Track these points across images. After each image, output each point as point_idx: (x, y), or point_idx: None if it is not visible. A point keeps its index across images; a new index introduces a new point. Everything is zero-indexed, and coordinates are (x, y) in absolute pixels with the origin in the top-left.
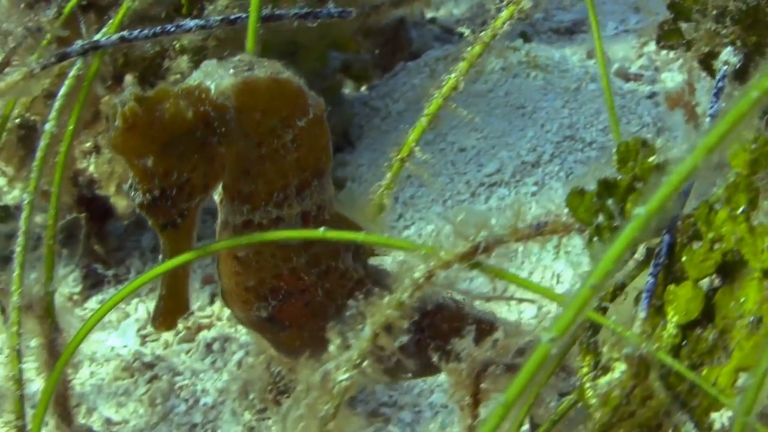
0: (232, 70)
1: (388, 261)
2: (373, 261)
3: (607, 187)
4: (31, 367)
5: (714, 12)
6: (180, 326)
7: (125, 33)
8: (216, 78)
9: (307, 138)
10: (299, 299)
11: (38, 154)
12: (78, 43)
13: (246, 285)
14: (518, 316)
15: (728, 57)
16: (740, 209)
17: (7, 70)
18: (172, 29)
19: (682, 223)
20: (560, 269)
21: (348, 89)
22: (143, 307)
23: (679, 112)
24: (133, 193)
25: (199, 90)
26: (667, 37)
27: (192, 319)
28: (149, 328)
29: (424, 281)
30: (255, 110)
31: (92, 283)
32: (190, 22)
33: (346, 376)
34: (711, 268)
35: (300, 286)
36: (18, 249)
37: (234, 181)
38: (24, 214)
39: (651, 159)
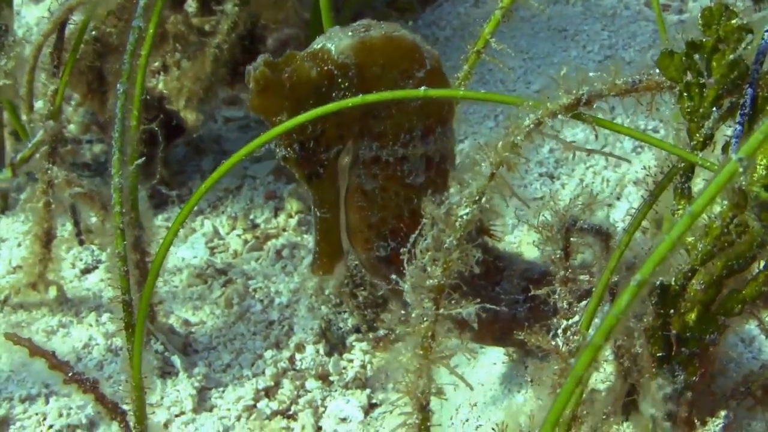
0: (350, 33)
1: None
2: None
3: (694, 47)
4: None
5: None
6: (248, 236)
7: None
8: (336, 41)
9: (428, 87)
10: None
11: (128, 47)
12: None
13: (369, 221)
14: None
15: None
16: None
17: None
18: None
19: (762, 79)
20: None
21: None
22: (209, 222)
23: None
24: (277, 150)
25: (321, 52)
26: None
27: (259, 230)
28: (217, 241)
29: (534, 127)
30: (374, 65)
31: (157, 203)
32: None
33: (467, 210)
34: None
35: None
36: (115, 135)
37: (365, 123)
38: (119, 103)
39: (734, 21)
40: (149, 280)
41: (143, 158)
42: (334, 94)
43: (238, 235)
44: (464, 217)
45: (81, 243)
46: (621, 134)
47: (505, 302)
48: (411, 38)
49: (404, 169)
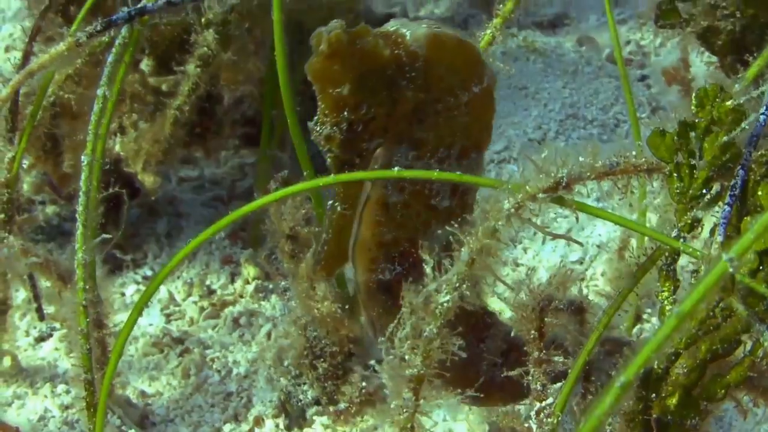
0: (424, 25)
1: None
2: None
3: (686, 127)
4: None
5: None
6: (204, 303)
7: None
8: (412, 27)
9: (478, 106)
10: (419, 277)
11: (92, 118)
12: (124, 10)
13: (381, 239)
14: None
15: None
16: None
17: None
18: None
19: (755, 162)
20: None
21: None
22: (164, 288)
23: (674, 91)
24: (320, 128)
25: (396, 35)
26: (666, 16)
27: (216, 297)
28: (173, 308)
29: (513, 212)
30: (441, 63)
31: (111, 268)
32: None
33: (447, 298)
34: None
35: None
36: (80, 209)
37: (407, 126)
38: (84, 176)
39: (728, 103)
40: (112, 360)
41: (104, 236)
42: (399, 80)
43: (194, 302)
44: (444, 304)
45: (41, 318)
46: (602, 219)
47: (486, 363)
48: (478, 50)
49: (432, 189)
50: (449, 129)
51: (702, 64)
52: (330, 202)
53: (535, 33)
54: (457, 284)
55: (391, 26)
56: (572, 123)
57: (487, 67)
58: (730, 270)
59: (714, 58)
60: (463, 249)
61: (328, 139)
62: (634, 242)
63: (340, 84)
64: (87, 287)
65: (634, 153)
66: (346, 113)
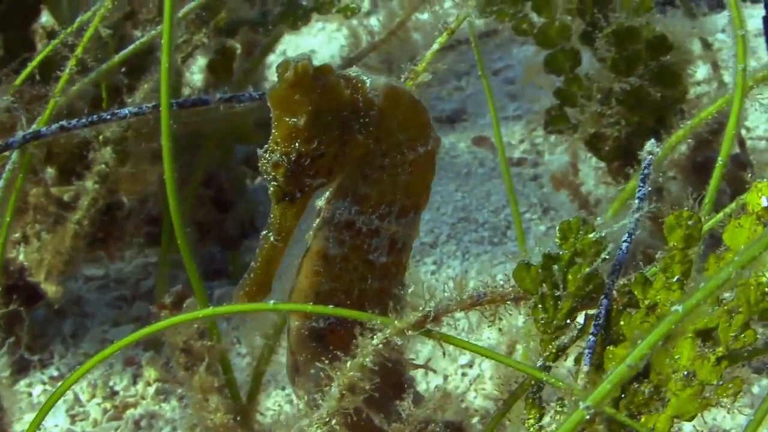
0: (384, 77)
1: None
2: None
3: (551, 260)
4: None
5: (599, 95)
6: (107, 405)
7: (64, 122)
8: (372, 77)
9: (421, 167)
10: (351, 330)
11: None
12: (20, 134)
13: (318, 289)
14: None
15: (652, 147)
16: (675, 278)
17: None
18: (108, 116)
19: (618, 291)
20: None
21: (249, 179)
22: (70, 391)
23: (564, 193)
24: (269, 155)
25: (357, 79)
26: (555, 122)
27: (118, 399)
28: (77, 408)
29: (382, 347)
30: (394, 117)
31: (18, 368)
32: (125, 110)
33: None
34: (647, 330)
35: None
36: None
37: (352, 180)
38: None
39: (591, 235)
40: None
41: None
42: (352, 124)
43: (98, 404)
44: None
45: None
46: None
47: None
48: (427, 113)
49: (372, 244)
50: (392, 186)
51: (590, 169)
52: (264, 231)
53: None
54: (327, 419)
55: (353, 71)
56: (464, 226)
57: (434, 131)
58: (587, 418)
59: (602, 164)
60: (333, 384)
61: (275, 167)
62: (519, 348)
63: (297, 114)
64: None
65: (501, 282)
66: (297, 144)
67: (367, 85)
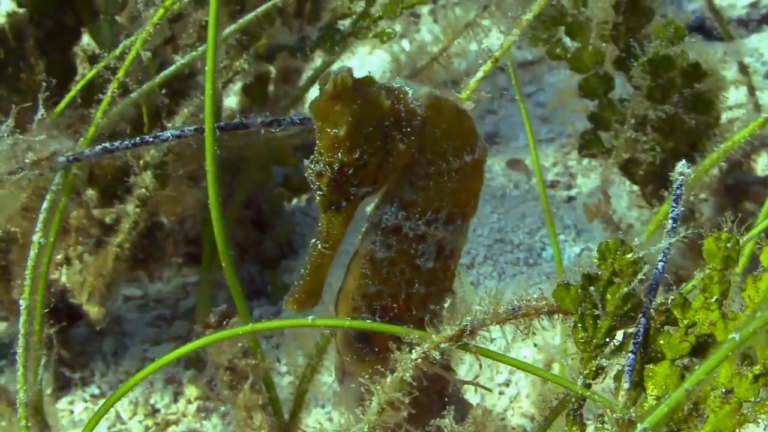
0: (427, 88)
1: None
2: None
3: (590, 280)
4: None
5: (633, 121)
6: (149, 422)
7: (107, 144)
8: (414, 87)
9: (468, 175)
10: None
11: (29, 263)
12: (63, 156)
13: (365, 291)
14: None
15: (683, 168)
16: (714, 299)
17: None
18: (151, 139)
19: (655, 310)
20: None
21: (286, 201)
22: (112, 409)
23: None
24: (313, 165)
25: (398, 90)
26: (588, 146)
27: (159, 416)
28: (119, 426)
29: (420, 361)
30: (438, 126)
31: (60, 386)
32: (167, 132)
33: None
34: (687, 349)
35: (406, 317)
36: (19, 351)
37: (399, 187)
38: (22, 318)
39: (629, 255)
40: None
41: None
42: (394, 133)
43: (140, 421)
44: None
45: None
46: (505, 364)
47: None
48: (473, 121)
49: (418, 249)
50: (438, 193)
51: (623, 192)
52: (312, 240)
53: None
54: None
55: (395, 83)
56: (500, 247)
57: (480, 139)
58: None
59: (635, 187)
60: (372, 399)
61: (319, 176)
62: (556, 366)
63: (337, 125)
64: (29, 424)
65: (535, 296)
66: (339, 154)
67: (409, 95)
